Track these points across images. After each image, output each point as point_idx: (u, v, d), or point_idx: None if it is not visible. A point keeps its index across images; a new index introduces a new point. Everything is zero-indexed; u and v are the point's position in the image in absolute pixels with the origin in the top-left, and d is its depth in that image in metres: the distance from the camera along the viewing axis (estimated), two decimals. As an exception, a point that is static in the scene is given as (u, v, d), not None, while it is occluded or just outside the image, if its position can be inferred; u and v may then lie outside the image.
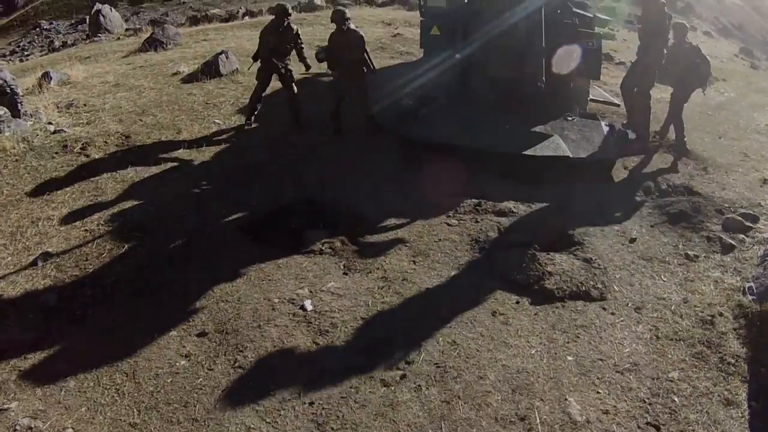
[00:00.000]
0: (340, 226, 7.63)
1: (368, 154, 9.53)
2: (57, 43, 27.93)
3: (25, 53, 28.74)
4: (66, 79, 12.61)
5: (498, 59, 9.45)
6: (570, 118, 9.73)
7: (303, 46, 10.50)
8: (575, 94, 10.37)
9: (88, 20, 28.40)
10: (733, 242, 7.72)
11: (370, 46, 15.84)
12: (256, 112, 10.53)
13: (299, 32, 10.45)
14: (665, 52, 9.89)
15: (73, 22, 33.74)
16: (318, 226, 7.62)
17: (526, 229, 7.66)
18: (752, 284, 6.74)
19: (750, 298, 6.55)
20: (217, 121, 10.64)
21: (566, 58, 9.69)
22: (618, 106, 11.53)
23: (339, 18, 9.65)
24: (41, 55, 24.73)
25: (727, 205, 8.58)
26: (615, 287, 6.81)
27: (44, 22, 34.72)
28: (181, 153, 9.48)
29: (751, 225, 8.07)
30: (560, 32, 9.70)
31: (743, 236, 7.86)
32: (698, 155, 10.26)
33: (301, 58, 10.48)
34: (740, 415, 5.33)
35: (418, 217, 7.88)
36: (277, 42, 10.17)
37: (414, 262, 7.09)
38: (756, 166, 10.23)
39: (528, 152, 8.87)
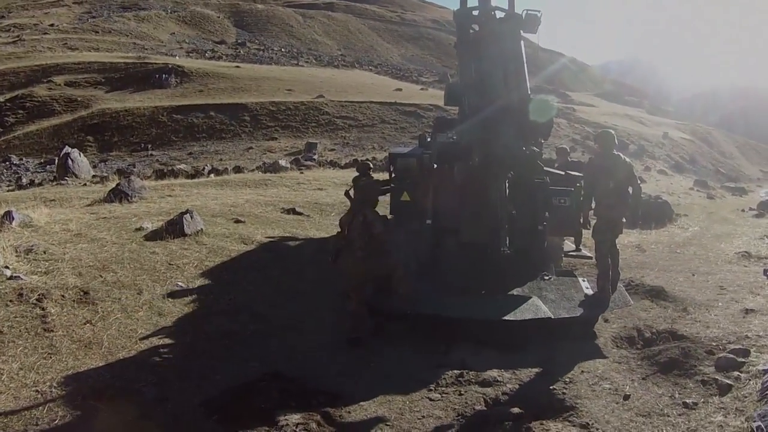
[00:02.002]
0: (314, 405, 7.03)
1: (341, 326, 9.17)
2: (24, 180, 28.31)
3: (-7, 185, 29.00)
4: (28, 222, 12.22)
5: (471, 224, 9.38)
6: (547, 278, 9.57)
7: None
8: (549, 252, 10.30)
9: (56, 162, 29.08)
10: (729, 381, 7.37)
11: (336, 209, 16.21)
12: None
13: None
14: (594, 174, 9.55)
15: (42, 161, 34.68)
16: (289, 404, 6.97)
17: (514, 398, 7.22)
18: (760, 423, 6.32)
19: (760, 438, 6.16)
20: (180, 283, 10.25)
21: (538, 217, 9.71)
22: (591, 258, 11.42)
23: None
24: (8, 190, 24.97)
25: (715, 344, 8.33)
26: (618, 451, 6.35)
27: (14, 157, 35.49)
28: (141, 316, 9.01)
29: (744, 360, 7.78)
30: (531, 191, 9.73)
31: (738, 373, 7.53)
32: (676, 296, 10.18)
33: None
34: None
35: (397, 393, 7.36)
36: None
37: (399, 444, 6.54)
38: (735, 297, 10.21)
39: (508, 317, 8.59)
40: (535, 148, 9.80)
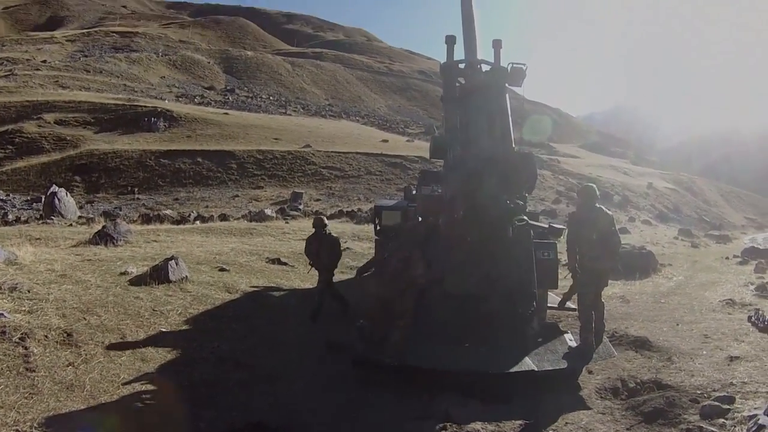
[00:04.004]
0: None
1: (324, 375, 9.19)
2: (11, 217, 27.95)
3: (-21, 222, 28.57)
4: (13, 259, 12.19)
5: (457, 275, 9.37)
6: (531, 330, 9.51)
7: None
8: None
9: (43, 200, 28.90)
10: (714, 429, 7.37)
11: None
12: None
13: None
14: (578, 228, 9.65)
15: (29, 198, 34.42)
16: None
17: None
18: (745, 469, 6.38)
19: (748, 489, 6.14)
20: (163, 330, 10.25)
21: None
22: (575, 310, 11.42)
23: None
24: (-6, 226, 24.45)
25: (700, 392, 8.34)
26: (602, 504, 6.32)
27: (1, 192, 35.26)
28: (125, 361, 8.94)
29: (729, 407, 7.79)
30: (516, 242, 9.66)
31: (723, 420, 7.54)
32: (660, 346, 10.18)
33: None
34: None
35: (382, 445, 7.30)
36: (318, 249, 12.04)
37: (383, 500, 6.45)
38: (719, 345, 10.20)
39: (492, 370, 8.60)
40: (519, 201, 9.89)
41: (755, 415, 7.27)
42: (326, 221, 12.80)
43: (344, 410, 8.16)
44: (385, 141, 51.92)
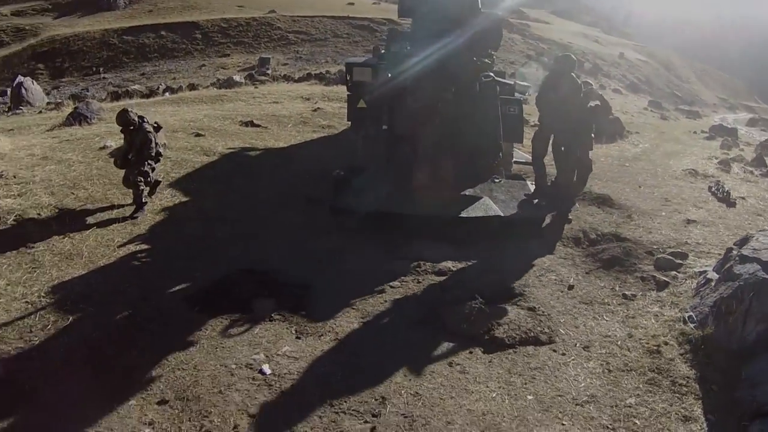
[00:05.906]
0: (287, 294, 7.58)
1: (307, 226, 9.64)
2: (-21, 113, 27.35)
3: (-52, 121, 28.08)
4: (-8, 151, 12.28)
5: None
6: (497, 180, 10.04)
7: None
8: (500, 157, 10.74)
9: (9, 92, 28.19)
10: (666, 279, 8.12)
11: (292, 121, 16.55)
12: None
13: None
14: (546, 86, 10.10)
15: (-6, 93, 33.34)
16: (264, 294, 7.52)
17: (468, 285, 7.79)
18: (691, 313, 7.14)
19: (691, 325, 6.94)
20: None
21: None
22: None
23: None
24: (-36, 124, 24.31)
25: (656, 247, 8.98)
26: (561, 330, 7.05)
27: (-35, 91, 34.03)
28: (117, 227, 9.36)
29: (681, 262, 8.50)
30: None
31: (675, 272, 8.28)
32: (621, 204, 10.69)
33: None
34: (699, 428, 5.63)
35: (361, 283, 7.93)
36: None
37: (364, 323, 7.12)
38: (678, 209, 10.76)
39: (461, 215, 9.10)
40: (486, 60, 10.16)
41: (705, 271, 7.99)
42: (132, 115, 9.81)
43: (325, 256, 8.70)
44: (351, 4, 50.48)
